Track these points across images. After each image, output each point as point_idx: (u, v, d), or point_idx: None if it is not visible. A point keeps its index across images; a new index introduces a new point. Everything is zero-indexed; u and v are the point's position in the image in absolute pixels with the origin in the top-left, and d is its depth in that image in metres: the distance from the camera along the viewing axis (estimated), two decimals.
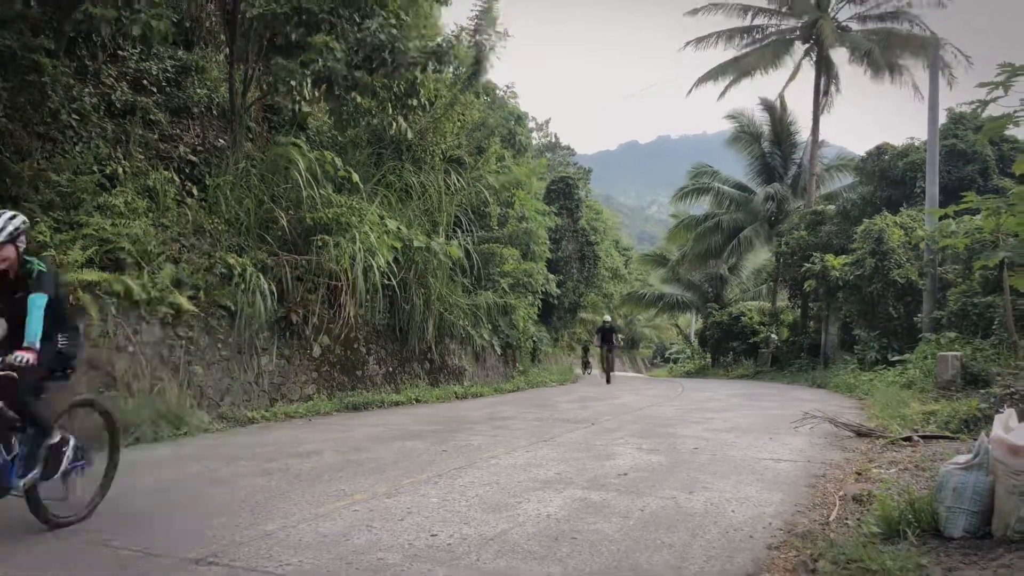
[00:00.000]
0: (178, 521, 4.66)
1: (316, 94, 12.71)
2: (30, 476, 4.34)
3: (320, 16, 11.35)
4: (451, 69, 16.05)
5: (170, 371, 9.12)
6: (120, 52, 11.95)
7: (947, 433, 8.27)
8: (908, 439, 8.09)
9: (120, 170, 10.20)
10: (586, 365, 34.88)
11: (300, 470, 6.45)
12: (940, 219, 15.30)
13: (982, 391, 10.26)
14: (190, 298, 9.56)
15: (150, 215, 9.90)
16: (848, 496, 5.46)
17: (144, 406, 8.23)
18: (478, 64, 16.41)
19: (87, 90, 10.80)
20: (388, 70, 12.59)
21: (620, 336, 30.59)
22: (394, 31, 12.12)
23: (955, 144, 22.72)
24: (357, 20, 11.88)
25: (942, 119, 21.78)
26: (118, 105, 11.29)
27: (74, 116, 10.24)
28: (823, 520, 4.86)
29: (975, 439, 6.50)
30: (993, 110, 8.09)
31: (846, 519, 4.87)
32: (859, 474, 6.42)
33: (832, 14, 31.04)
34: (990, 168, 22.88)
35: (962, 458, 4.53)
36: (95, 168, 9.90)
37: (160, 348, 9.15)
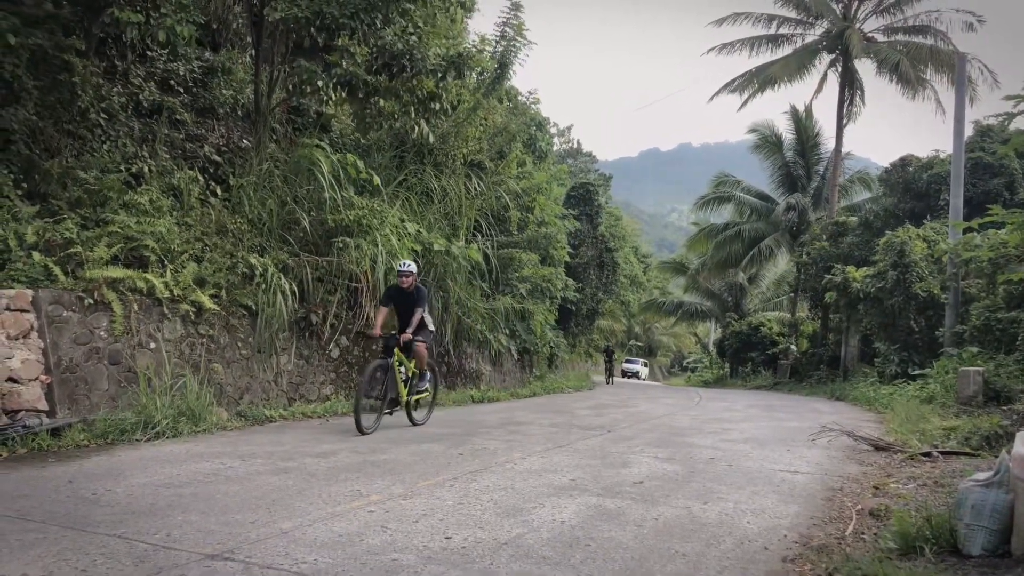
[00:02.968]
0: (195, 517, 4.71)
1: (341, 96, 12.81)
2: None
3: (340, 21, 11.44)
4: (474, 74, 16.11)
5: (191, 368, 9.21)
6: (148, 53, 12.11)
7: (967, 449, 8.18)
8: (927, 454, 8.02)
9: (146, 169, 10.33)
10: (609, 374, 34.34)
11: (316, 470, 6.49)
12: (964, 232, 15.20)
13: (1004, 408, 10.17)
14: (212, 297, 9.66)
15: (174, 214, 10.01)
16: (865, 510, 5.42)
17: (164, 402, 8.32)
18: (502, 70, 16.46)
19: (116, 89, 10.95)
20: (408, 76, 12.69)
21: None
22: (413, 39, 12.20)
23: (981, 157, 22.51)
24: (377, 26, 11.97)
25: (968, 131, 21.60)
26: (145, 105, 11.45)
27: (103, 115, 10.40)
28: (839, 534, 4.83)
29: (996, 456, 6.45)
30: (1020, 123, 8.04)
31: (863, 534, 4.84)
32: (877, 488, 6.37)
33: (858, 25, 30.87)
34: (1016, 181, 22.65)
35: (982, 475, 4.49)
36: (122, 166, 10.03)
37: (181, 345, 9.25)
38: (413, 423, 10.07)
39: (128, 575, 3.61)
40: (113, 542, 4.13)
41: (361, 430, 8.75)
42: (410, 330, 9.44)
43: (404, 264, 9.81)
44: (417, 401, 10.18)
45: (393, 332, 9.67)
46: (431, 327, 10.16)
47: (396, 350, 9.43)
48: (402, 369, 9.64)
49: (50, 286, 7.84)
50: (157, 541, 4.16)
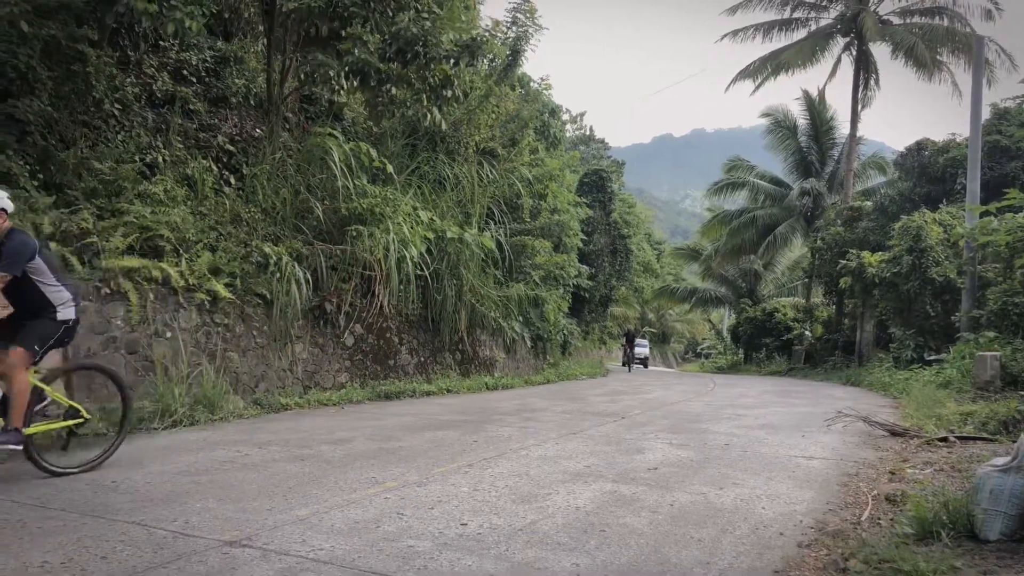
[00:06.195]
0: (212, 504, 4.75)
1: (353, 85, 12.81)
2: None
3: (352, 9, 11.42)
4: (487, 61, 16.05)
5: (207, 357, 9.27)
6: (161, 43, 12.12)
7: (984, 434, 8.14)
8: (944, 440, 7.97)
9: (160, 159, 10.37)
10: (627, 362, 32.54)
11: (332, 457, 6.54)
12: (981, 216, 15.06)
13: (1022, 392, 10.08)
14: (227, 286, 9.71)
15: (189, 203, 10.06)
16: (881, 496, 5.41)
17: (181, 391, 8.38)
18: (514, 56, 16.40)
19: (129, 80, 10.98)
20: (421, 63, 12.65)
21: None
22: (427, 24, 12.15)
23: (998, 140, 22.22)
24: (390, 13, 11.94)
25: (985, 114, 21.31)
26: (159, 95, 11.47)
27: (116, 105, 10.42)
28: (855, 519, 4.82)
29: (1014, 441, 6.40)
30: None
31: (879, 519, 4.82)
32: (893, 474, 6.35)
33: (873, 8, 30.50)
34: None
35: (1000, 460, 4.46)
36: (136, 157, 10.07)
37: (197, 334, 9.31)
38: (47, 471, 5.39)
39: (147, 562, 3.65)
40: (132, 529, 4.17)
41: None
42: None
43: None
44: (69, 433, 5.87)
45: None
46: (61, 311, 5.51)
47: None
48: None
49: (67, 276, 7.90)
50: (175, 528, 4.21)
